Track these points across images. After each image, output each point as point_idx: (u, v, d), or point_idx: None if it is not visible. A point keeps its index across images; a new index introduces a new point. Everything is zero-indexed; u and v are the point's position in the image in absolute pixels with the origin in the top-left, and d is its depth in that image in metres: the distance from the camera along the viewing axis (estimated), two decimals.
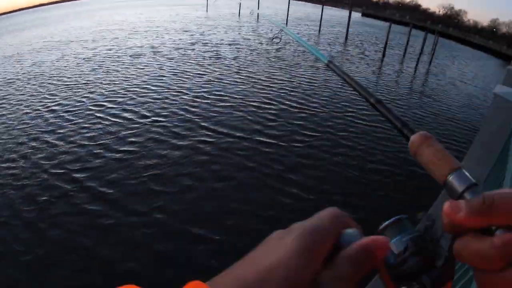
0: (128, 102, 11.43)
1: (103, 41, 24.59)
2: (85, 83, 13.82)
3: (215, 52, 19.08)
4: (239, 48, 20.79)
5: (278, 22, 3.79)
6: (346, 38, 28.71)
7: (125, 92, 12.49)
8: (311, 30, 32.49)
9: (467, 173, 0.55)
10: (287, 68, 16.25)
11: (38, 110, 11.33)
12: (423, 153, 0.64)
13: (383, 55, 22.07)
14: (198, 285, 0.32)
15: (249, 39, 24.78)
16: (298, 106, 11.57)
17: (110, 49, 20.90)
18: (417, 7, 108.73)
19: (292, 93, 12.70)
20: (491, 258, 0.40)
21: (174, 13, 47.13)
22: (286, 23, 36.60)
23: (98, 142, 8.88)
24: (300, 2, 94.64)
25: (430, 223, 0.68)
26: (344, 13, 58.98)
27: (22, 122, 10.48)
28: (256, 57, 18.27)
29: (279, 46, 21.67)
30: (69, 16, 60.10)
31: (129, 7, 67.34)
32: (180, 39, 24.23)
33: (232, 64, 16.53)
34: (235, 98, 11.95)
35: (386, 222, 0.71)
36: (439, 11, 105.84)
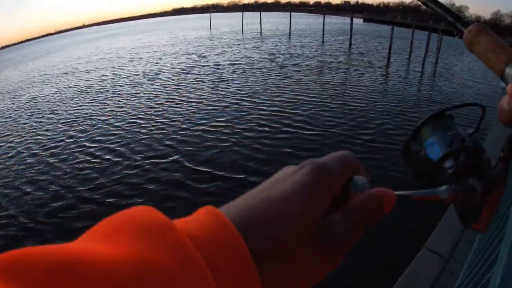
0: (123, 138, 11.30)
1: (98, 71, 25.34)
2: (77, 118, 14.15)
3: (217, 75, 19.42)
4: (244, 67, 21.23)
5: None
6: (350, 45, 28.99)
7: (120, 125, 12.58)
8: (315, 41, 32.85)
9: None
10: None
11: (31, 148, 11.59)
12: (481, 42, 0.63)
13: (388, 59, 22.23)
14: (211, 210, 0.33)
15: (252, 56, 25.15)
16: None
17: (104, 80, 21.48)
18: (418, 8, 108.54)
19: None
20: None
21: (180, 34, 47.87)
22: (289, 37, 37.08)
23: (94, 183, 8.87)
24: (302, 14, 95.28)
25: (480, 118, 0.66)
26: (346, 20, 59.28)
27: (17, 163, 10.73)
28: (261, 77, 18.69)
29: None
30: (70, 46, 61.27)
31: (130, 33, 68.01)
32: (181, 61, 24.81)
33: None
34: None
35: (426, 116, 0.68)
36: None
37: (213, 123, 11.30)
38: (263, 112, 11.99)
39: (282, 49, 27.58)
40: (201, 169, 8.53)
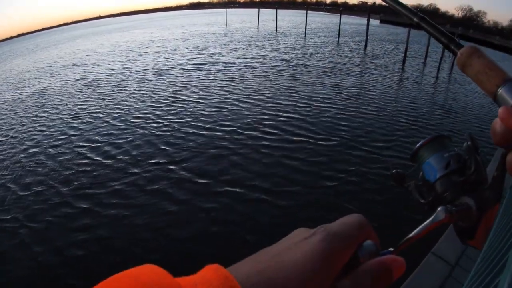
0: (127, 134, 11.14)
1: (107, 64, 25.61)
2: (81, 112, 14.24)
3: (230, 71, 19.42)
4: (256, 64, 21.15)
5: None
6: (366, 47, 28.83)
7: (125, 118, 12.66)
8: (330, 41, 32.67)
9: None
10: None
11: (34, 139, 11.76)
12: (473, 64, 0.65)
13: (403, 63, 22.06)
14: (217, 269, 0.32)
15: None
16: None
17: (111, 73, 21.62)
18: (435, 11, 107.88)
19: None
20: None
21: (201, 29, 47.83)
22: (305, 35, 36.92)
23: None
24: (318, 13, 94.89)
25: (473, 144, 0.68)
26: (362, 21, 58.84)
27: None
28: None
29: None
30: (82, 37, 61.65)
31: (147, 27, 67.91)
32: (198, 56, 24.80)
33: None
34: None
35: (425, 139, 0.72)
36: (458, 14, 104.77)
37: (220, 123, 11.17)
38: (270, 114, 11.81)
39: (297, 48, 27.49)
40: (199, 171, 8.42)
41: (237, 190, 7.37)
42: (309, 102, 12.93)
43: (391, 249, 0.53)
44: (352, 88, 15.08)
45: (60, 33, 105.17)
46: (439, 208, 0.63)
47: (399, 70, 19.91)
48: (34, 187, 8.53)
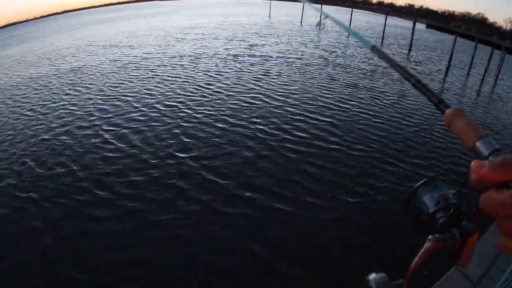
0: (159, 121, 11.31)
1: (143, 47, 26.44)
2: (111, 93, 14.59)
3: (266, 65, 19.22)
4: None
5: (322, 9, 3.96)
6: (409, 51, 28.04)
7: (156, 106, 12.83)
8: (373, 41, 31.85)
9: (492, 140, 0.67)
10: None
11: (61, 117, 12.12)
12: (456, 123, 0.76)
13: (446, 73, 21.30)
14: None
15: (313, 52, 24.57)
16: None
17: (147, 57, 22.05)
18: (483, 20, 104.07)
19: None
20: (510, 206, 0.52)
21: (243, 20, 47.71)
22: (348, 34, 36.26)
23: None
24: (363, 11, 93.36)
25: (460, 183, 0.88)
26: (408, 24, 57.56)
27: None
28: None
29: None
30: (123, 19, 62.93)
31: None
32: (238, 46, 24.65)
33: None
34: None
35: (420, 182, 0.97)
36: (507, 26, 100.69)
37: (249, 120, 11.06)
38: (301, 115, 11.57)
39: (338, 46, 27.02)
40: (220, 169, 8.34)
41: (255, 196, 7.29)
42: (344, 106, 12.60)
43: (401, 280, 0.86)
44: (391, 95, 14.58)
45: (103, 13, 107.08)
46: (429, 237, 0.94)
47: (441, 80, 19.19)
48: (53, 167, 8.74)
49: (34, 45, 38.15)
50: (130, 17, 69.26)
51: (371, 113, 12.08)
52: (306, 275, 5.35)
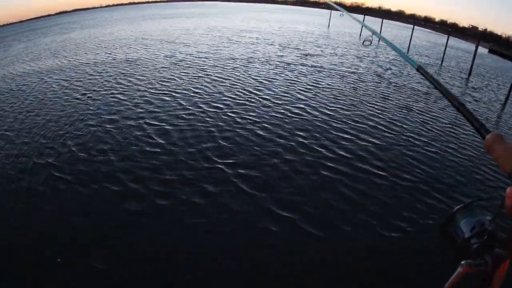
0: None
1: (197, 45, 26.88)
2: (158, 89, 14.74)
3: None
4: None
5: (370, 27, 4.10)
6: (469, 74, 26.89)
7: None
8: (433, 62, 30.76)
9: None
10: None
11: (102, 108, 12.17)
12: (495, 149, 0.78)
13: (505, 104, 20.13)
14: None
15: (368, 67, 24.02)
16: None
17: (199, 56, 22.32)
18: None
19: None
20: None
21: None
22: (408, 50, 35.43)
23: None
24: (425, 30, 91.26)
25: (497, 210, 0.90)
26: (470, 46, 55.62)
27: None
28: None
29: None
30: (179, 16, 64.41)
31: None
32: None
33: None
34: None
35: (458, 206, 1.07)
36: None
37: (291, 132, 10.73)
38: (348, 133, 11.02)
39: (395, 64, 26.24)
40: (255, 182, 8.10)
41: (285, 213, 6.93)
42: (394, 128, 11.83)
43: None
44: (444, 122, 13.70)
45: (165, 9, 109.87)
46: (461, 262, 0.92)
47: (498, 111, 18.04)
48: (93, 153, 9.11)
49: (96, 31, 39.76)
50: (191, 15, 70.51)
51: (422, 139, 11.19)
52: None
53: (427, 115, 14.08)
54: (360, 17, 56.46)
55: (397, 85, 18.92)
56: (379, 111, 13.58)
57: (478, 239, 0.95)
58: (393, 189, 8.01)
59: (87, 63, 20.27)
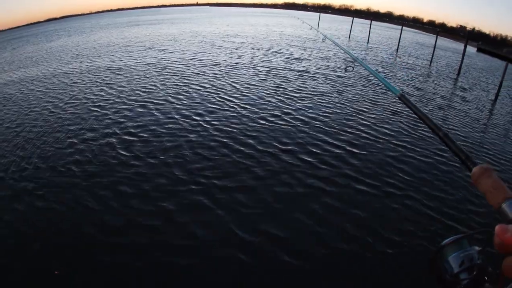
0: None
1: (179, 53, 26.13)
2: (139, 97, 14.22)
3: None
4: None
5: (352, 52, 4.03)
6: (458, 75, 26.63)
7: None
8: (421, 63, 30.48)
9: None
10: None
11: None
12: (482, 182, 0.77)
13: (495, 101, 19.79)
14: None
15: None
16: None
17: (180, 63, 21.84)
18: None
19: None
20: None
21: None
22: (396, 52, 35.30)
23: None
24: (413, 30, 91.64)
25: (485, 244, 0.84)
26: (458, 46, 55.72)
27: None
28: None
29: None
30: (165, 22, 64.26)
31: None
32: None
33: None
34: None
35: (446, 240, 0.94)
36: None
37: (279, 141, 10.15)
38: (330, 143, 10.35)
39: (384, 65, 25.94)
40: (243, 199, 7.56)
41: (252, 238, 6.25)
42: (379, 141, 11.13)
43: None
44: (439, 122, 13.24)
45: (154, 15, 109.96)
46: None
47: (488, 110, 17.63)
48: (66, 166, 8.64)
49: (82, 39, 39.65)
50: (175, 20, 70.54)
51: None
52: None
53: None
54: (348, 18, 56.35)
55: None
56: (365, 120, 13.13)
57: (467, 275, 0.88)
58: (375, 208, 7.47)
59: (71, 72, 19.85)
